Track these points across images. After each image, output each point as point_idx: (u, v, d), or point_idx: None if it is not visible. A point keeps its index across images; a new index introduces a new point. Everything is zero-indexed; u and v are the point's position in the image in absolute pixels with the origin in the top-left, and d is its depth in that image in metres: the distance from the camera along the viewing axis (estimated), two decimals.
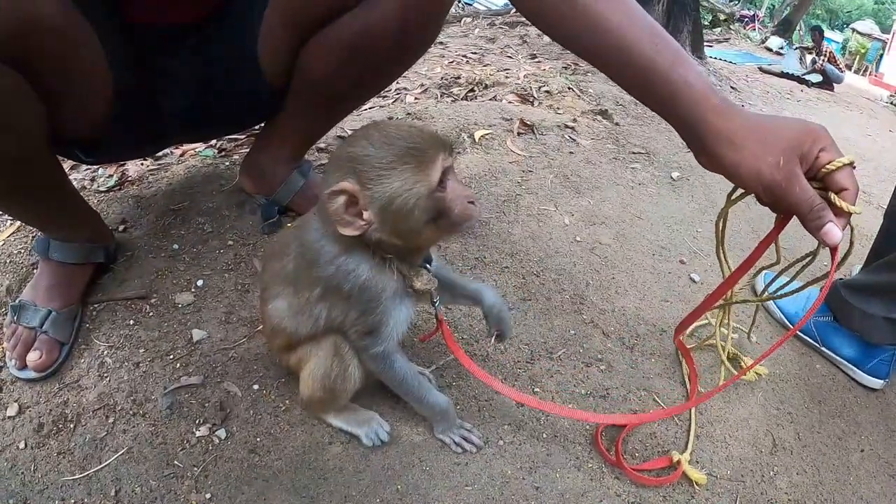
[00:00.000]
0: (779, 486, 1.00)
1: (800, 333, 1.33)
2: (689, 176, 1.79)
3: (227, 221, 1.23)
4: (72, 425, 0.91)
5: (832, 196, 0.69)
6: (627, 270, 1.36)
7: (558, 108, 1.97)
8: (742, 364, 1.15)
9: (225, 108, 1.09)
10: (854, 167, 0.70)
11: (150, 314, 1.06)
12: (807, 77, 4.21)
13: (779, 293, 0.94)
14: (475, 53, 2.49)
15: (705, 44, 3.22)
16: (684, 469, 0.93)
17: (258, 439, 0.88)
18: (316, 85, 1.02)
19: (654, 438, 1.00)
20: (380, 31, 0.90)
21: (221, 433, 0.89)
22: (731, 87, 2.90)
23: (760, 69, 4.10)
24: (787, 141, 0.67)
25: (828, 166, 0.68)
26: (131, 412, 0.92)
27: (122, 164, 1.42)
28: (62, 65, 0.80)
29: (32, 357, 0.96)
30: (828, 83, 4.32)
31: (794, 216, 0.72)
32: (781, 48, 5.15)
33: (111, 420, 0.91)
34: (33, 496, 0.83)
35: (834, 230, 0.68)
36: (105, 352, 1.00)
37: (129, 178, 1.38)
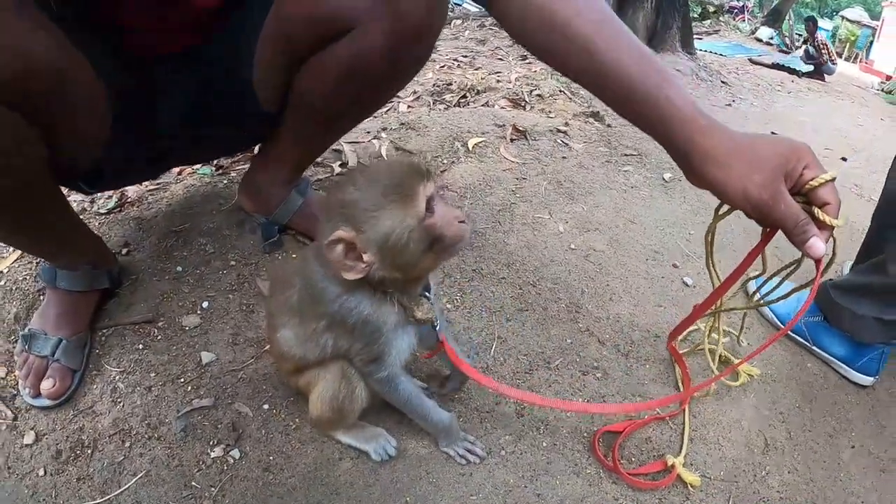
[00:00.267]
0: (771, 485, 1.07)
1: (791, 334, 1.40)
2: (681, 177, 1.82)
3: (229, 241, 1.29)
4: (89, 451, 0.97)
5: (816, 210, 0.75)
6: (621, 277, 1.43)
7: (550, 112, 2.04)
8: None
9: (221, 132, 1.14)
10: (835, 180, 0.75)
11: (159, 338, 1.12)
12: (799, 68, 4.30)
13: (767, 299, 1.01)
14: (466, 57, 2.55)
15: (695, 36, 3.29)
16: (679, 472, 1.00)
17: (271, 458, 0.95)
18: (312, 108, 1.07)
19: (650, 443, 1.07)
20: (372, 55, 0.94)
21: (235, 453, 0.95)
22: (722, 82, 2.97)
23: (751, 60, 4.17)
24: (772, 160, 0.73)
25: (811, 182, 0.74)
26: (147, 436, 0.98)
27: None
28: (62, 104, 0.84)
29: (46, 385, 1.02)
30: (819, 74, 4.41)
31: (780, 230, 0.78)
32: (771, 38, 5.23)
33: (127, 444, 0.97)
34: None
35: (817, 243, 0.74)
36: (117, 377, 1.06)
37: (129, 200, 1.43)
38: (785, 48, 5.12)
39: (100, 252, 1.15)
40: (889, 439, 1.26)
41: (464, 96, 2.07)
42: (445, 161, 1.67)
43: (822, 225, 0.75)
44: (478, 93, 2.12)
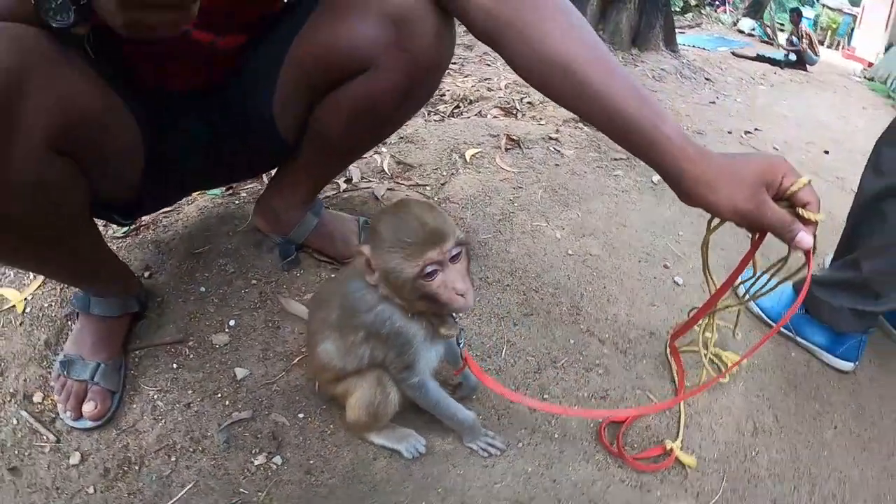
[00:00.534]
0: (760, 464, 1.24)
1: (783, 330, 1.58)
2: None
3: (248, 261, 1.42)
4: (137, 467, 1.08)
5: (799, 210, 0.89)
6: (617, 279, 1.60)
7: (541, 119, 2.20)
8: (725, 362, 1.38)
9: (242, 161, 1.27)
10: (811, 183, 0.90)
11: (191, 356, 1.24)
12: (782, 59, 4.53)
13: (758, 294, 1.16)
14: (455, 63, 2.70)
15: (677, 30, 3.48)
16: (677, 455, 1.17)
17: (311, 461, 1.09)
18: (328, 140, 1.19)
19: (649, 430, 1.24)
20: (387, 92, 1.07)
21: (277, 460, 1.09)
22: (706, 79, 3.17)
23: (734, 53, 4.38)
24: (753, 176, 0.87)
25: (791, 189, 0.88)
26: (191, 449, 1.10)
27: None
28: (104, 149, 0.94)
29: (88, 408, 1.11)
30: (801, 63, 4.65)
31: (768, 234, 0.92)
32: (753, 29, 5.46)
33: (173, 458, 1.09)
34: None
35: (805, 237, 0.89)
36: (155, 396, 1.18)
37: (143, 223, 1.55)
38: (767, 38, 5.35)
39: (128, 278, 1.25)
40: (868, 420, 1.44)
41: (457, 107, 2.22)
42: (445, 173, 1.83)
43: (806, 222, 0.89)
44: (470, 102, 2.28)
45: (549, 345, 1.37)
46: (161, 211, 1.59)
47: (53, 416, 1.15)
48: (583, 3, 3.27)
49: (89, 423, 1.12)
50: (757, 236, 0.99)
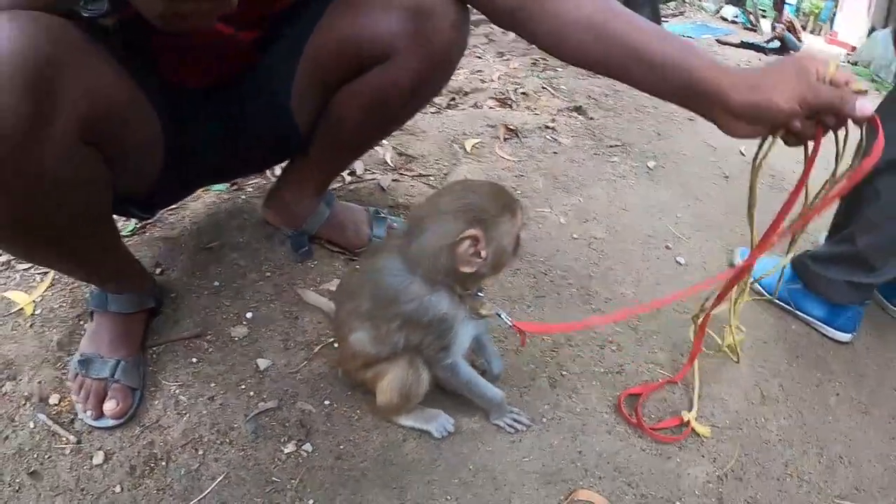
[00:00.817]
0: (770, 430, 1.30)
1: (776, 301, 1.64)
2: (664, 164, 2.09)
3: (260, 254, 1.43)
4: (164, 463, 1.08)
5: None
6: (622, 261, 1.65)
7: (536, 109, 2.25)
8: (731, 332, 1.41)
9: (258, 154, 1.29)
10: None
11: (210, 350, 1.25)
12: (767, 45, 4.62)
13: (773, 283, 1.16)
14: None
15: (662, 20, 3.55)
16: (693, 426, 1.22)
17: (341, 447, 1.11)
18: (342, 132, 1.21)
19: (665, 402, 1.29)
20: (404, 84, 1.10)
21: (307, 447, 1.10)
22: None
23: (718, 41, 4.46)
24: (793, 68, 0.85)
25: (828, 72, 0.85)
26: (218, 442, 1.11)
27: None
28: (127, 141, 0.96)
29: (109, 406, 1.10)
30: (785, 50, 4.75)
31: (819, 145, 0.88)
32: (736, 17, 5.56)
33: (201, 452, 1.09)
34: None
35: (864, 104, 0.83)
36: (177, 391, 1.18)
37: (149, 221, 1.55)
38: (750, 25, 5.46)
39: (142, 275, 1.25)
40: (868, 386, 1.51)
41: (453, 99, 2.25)
42: (447, 163, 1.86)
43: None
44: (465, 94, 2.31)
45: None
46: (167, 208, 1.60)
47: (72, 416, 1.14)
48: None
49: (111, 422, 1.11)
50: (811, 155, 0.94)
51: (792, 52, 4.93)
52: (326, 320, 1.30)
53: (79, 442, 1.11)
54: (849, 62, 5.16)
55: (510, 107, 2.27)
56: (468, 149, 1.93)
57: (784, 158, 2.23)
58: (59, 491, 1.05)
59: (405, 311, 0.97)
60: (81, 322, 1.29)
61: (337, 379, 1.21)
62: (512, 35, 2.99)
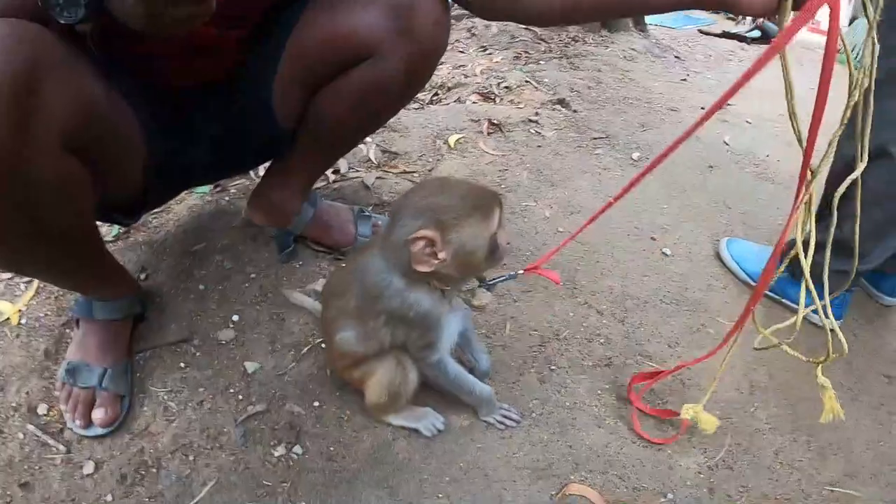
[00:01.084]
0: (760, 419, 1.31)
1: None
2: (648, 155, 2.10)
3: (244, 256, 1.42)
4: (154, 470, 1.08)
5: None
6: (608, 253, 1.65)
7: (519, 103, 2.24)
8: None
9: (243, 155, 1.28)
10: None
11: (198, 354, 1.24)
12: (747, 34, 4.64)
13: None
14: None
15: None
16: (699, 419, 1.16)
17: (332, 448, 1.11)
18: (326, 130, 1.20)
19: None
20: (390, 79, 1.09)
21: (298, 449, 1.10)
22: (676, 57, 3.25)
23: (700, 31, 4.46)
24: None
25: None
26: (208, 447, 1.10)
27: None
28: (110, 149, 0.95)
29: (98, 414, 1.10)
30: (766, 39, 4.77)
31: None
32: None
33: (191, 458, 1.09)
34: None
35: None
36: (165, 397, 1.18)
37: (133, 225, 1.53)
38: (732, 16, 5.48)
39: (127, 281, 1.24)
40: (857, 373, 1.52)
41: (435, 94, 2.24)
42: (431, 159, 1.85)
43: None
44: (448, 89, 2.30)
45: (551, 319, 1.41)
46: (151, 212, 1.58)
47: (61, 426, 1.14)
48: None
49: (100, 431, 1.11)
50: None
51: (773, 40, 4.96)
52: (313, 321, 1.29)
53: (69, 452, 1.10)
54: None
55: (493, 101, 2.26)
56: (452, 144, 1.93)
57: (765, 146, 2.26)
58: (51, 502, 1.04)
59: (389, 307, 0.97)
60: (68, 330, 1.28)
61: (326, 380, 1.20)
62: (494, 28, 3.01)
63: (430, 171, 1.81)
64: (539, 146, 2.04)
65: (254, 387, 1.19)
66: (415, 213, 0.90)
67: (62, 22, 0.74)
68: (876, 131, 0.88)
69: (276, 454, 1.10)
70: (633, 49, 3.01)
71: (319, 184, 1.68)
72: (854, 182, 1.46)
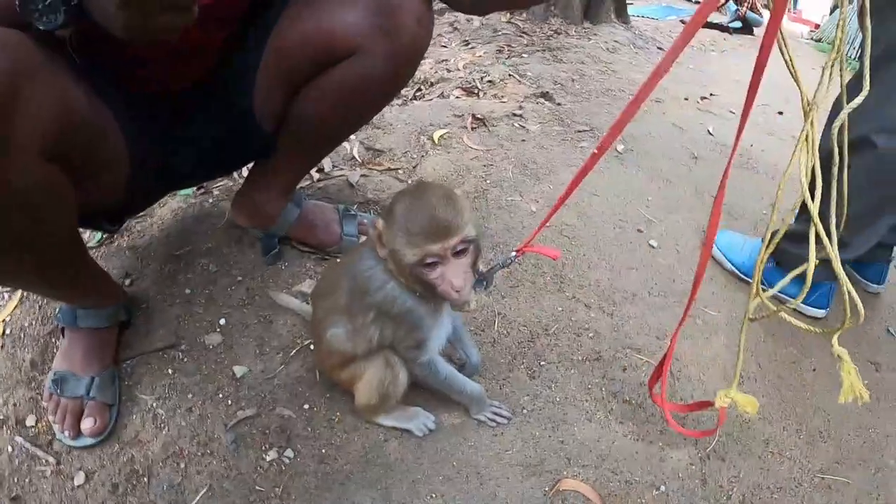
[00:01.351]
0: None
1: (750, 280, 1.66)
2: (633, 147, 2.10)
3: (230, 258, 1.41)
4: (145, 479, 1.07)
5: None
6: (595, 246, 1.66)
7: (503, 97, 2.23)
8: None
9: (224, 157, 1.26)
10: None
11: (185, 360, 1.23)
12: (729, 24, 4.68)
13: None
14: None
15: (627, 1, 3.56)
16: (737, 402, 1.09)
17: (323, 451, 1.10)
18: (309, 130, 1.19)
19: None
20: (373, 77, 1.08)
21: (289, 453, 1.10)
22: (658, 48, 3.26)
23: (683, 22, 4.50)
24: None
25: None
26: (199, 454, 1.09)
27: None
28: (92, 157, 0.94)
29: (87, 424, 1.09)
30: (748, 29, 4.81)
31: None
32: None
33: (182, 465, 1.08)
34: None
35: None
36: (154, 404, 1.16)
37: (116, 230, 1.51)
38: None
39: (111, 288, 1.22)
40: None
41: (419, 90, 2.23)
42: (415, 156, 1.84)
43: None
44: (431, 85, 2.29)
45: (539, 314, 1.41)
46: (134, 216, 1.56)
47: (50, 437, 1.12)
48: None
49: (90, 441, 1.10)
50: None
51: (755, 29, 5.01)
52: (300, 323, 1.28)
53: (59, 463, 1.09)
54: (813, 39, 5.25)
55: (477, 95, 2.26)
56: (436, 140, 1.92)
57: (748, 136, 2.27)
58: None
59: (376, 301, 0.97)
60: (53, 339, 1.26)
61: (315, 382, 1.20)
62: (476, 23, 2.99)
63: (414, 167, 1.80)
64: (523, 140, 2.04)
65: (243, 391, 1.18)
66: (390, 204, 0.94)
67: (42, 28, 0.73)
68: (857, 122, 0.88)
69: (268, 458, 1.09)
70: (615, 41, 3.02)
71: (303, 183, 1.66)
72: (834, 173, 1.49)
